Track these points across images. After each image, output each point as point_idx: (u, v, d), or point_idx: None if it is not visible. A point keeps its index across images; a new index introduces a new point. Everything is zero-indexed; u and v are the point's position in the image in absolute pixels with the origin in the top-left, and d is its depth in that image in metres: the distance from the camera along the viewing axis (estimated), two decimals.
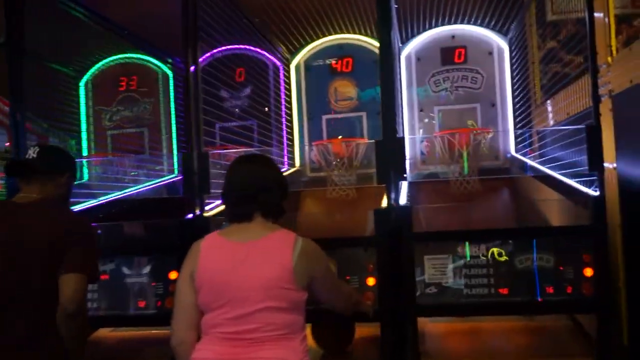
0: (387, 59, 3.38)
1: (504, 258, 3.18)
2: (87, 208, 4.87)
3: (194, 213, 3.53)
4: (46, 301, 2.01)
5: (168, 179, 8.05)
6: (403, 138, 3.20)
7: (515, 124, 7.93)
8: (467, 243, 3.22)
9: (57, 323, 2.01)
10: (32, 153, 2.23)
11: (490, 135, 7.31)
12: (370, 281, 3.19)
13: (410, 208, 3.21)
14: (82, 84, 8.93)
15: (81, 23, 6.58)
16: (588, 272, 3.16)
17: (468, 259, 3.20)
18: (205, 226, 3.27)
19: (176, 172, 8.20)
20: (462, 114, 8.07)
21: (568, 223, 3.61)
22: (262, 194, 1.97)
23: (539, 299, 3.14)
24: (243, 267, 1.88)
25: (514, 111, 7.97)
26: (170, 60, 8.84)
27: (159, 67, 8.91)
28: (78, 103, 8.80)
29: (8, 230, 2.06)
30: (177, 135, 8.53)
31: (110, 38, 8.12)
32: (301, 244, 1.92)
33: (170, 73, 8.85)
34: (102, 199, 5.66)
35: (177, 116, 8.48)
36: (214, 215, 3.72)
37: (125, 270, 3.44)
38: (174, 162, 8.44)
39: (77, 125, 8.69)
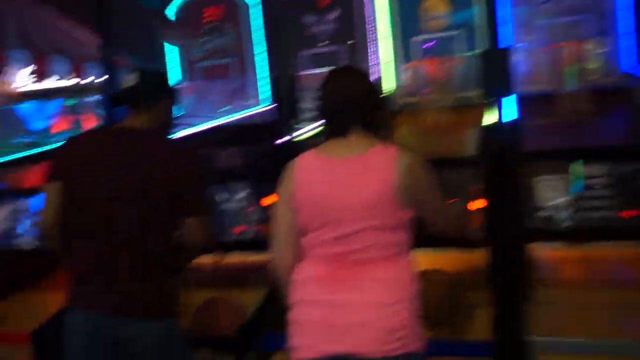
0: None
1: (627, 178, 2.86)
2: (179, 138, 4.93)
3: (283, 138, 3.43)
4: (159, 232, 2.00)
5: (257, 109, 8.04)
6: (510, 48, 2.87)
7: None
8: (583, 162, 2.92)
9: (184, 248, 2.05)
10: (131, 79, 2.16)
11: (603, 49, 6.58)
12: (476, 205, 2.98)
13: (520, 124, 2.92)
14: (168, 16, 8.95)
15: None
16: None
17: (585, 179, 2.91)
18: (296, 150, 3.15)
19: (260, 103, 8.16)
20: (568, 27, 7.34)
21: None
22: (350, 107, 1.82)
23: None
24: (342, 184, 1.75)
25: (637, 17, 6.98)
26: None
27: None
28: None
29: (115, 157, 2.01)
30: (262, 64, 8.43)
31: None
32: (406, 159, 1.76)
33: (251, 1, 8.66)
34: (194, 128, 5.72)
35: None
36: (307, 139, 3.61)
37: (220, 196, 3.43)
38: (259, 92, 8.37)
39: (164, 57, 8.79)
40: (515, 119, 3.14)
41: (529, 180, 2.98)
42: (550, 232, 3.03)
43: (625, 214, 2.88)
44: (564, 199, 2.95)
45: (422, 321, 1.81)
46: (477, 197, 3.00)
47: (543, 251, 3.22)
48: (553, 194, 2.96)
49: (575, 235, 3.00)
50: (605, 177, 2.89)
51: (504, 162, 2.95)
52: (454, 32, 7.84)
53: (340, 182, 1.76)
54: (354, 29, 8.14)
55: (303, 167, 1.85)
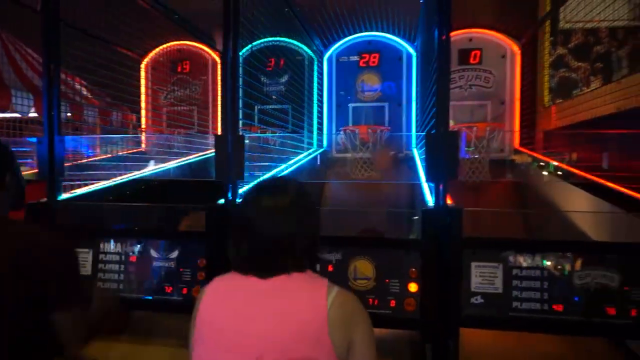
0: (444, 52, 2.38)
1: (561, 272, 2.21)
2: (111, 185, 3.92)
3: (225, 198, 2.60)
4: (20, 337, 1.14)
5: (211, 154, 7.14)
6: (457, 131, 2.20)
7: (521, 121, 6.87)
8: (520, 252, 2.25)
9: None
10: None
11: (501, 130, 6.26)
12: (413, 287, 2.25)
13: (462, 210, 2.23)
14: (142, 65, 8.04)
15: (144, 10, 5.68)
16: None
17: (520, 269, 2.24)
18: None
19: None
20: (474, 110, 7.01)
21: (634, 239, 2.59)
22: (279, 250, 1.19)
23: (597, 320, 2.17)
24: (255, 313, 1.01)
25: (522, 110, 6.88)
26: (219, 49, 7.86)
27: (209, 53, 7.99)
28: (139, 82, 7.91)
29: None
30: (222, 115, 7.59)
31: (168, 26, 7.24)
32: (338, 294, 1.05)
33: (218, 59, 7.91)
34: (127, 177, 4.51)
35: (222, 98, 7.52)
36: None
37: (153, 253, 2.54)
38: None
39: (137, 102, 7.83)
40: (456, 206, 2.42)
41: (467, 265, 2.28)
42: (484, 319, 2.32)
43: (559, 307, 2.21)
44: (500, 287, 2.26)
45: None
46: (415, 280, 2.28)
47: (474, 333, 2.49)
48: (489, 282, 2.27)
49: (508, 323, 2.30)
50: (544, 269, 2.23)
51: (442, 245, 2.26)
52: (383, 103, 7.32)
53: (253, 310, 1.00)
54: (300, 92, 7.44)
55: (213, 290, 1.08)
